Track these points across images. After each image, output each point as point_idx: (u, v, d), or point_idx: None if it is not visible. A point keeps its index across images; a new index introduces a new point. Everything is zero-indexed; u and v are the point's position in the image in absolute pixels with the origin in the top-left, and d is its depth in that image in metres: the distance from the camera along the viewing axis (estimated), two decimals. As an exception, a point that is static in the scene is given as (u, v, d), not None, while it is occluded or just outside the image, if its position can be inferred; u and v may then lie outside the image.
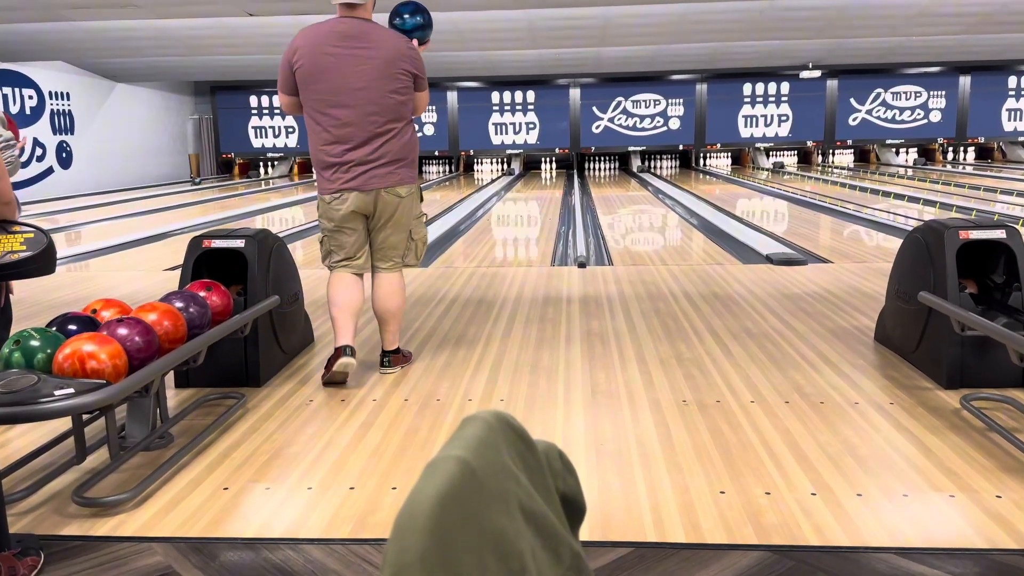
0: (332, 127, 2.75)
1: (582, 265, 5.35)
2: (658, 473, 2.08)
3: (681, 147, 17.27)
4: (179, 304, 2.45)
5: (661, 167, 17.73)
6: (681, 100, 17.09)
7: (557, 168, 17.87)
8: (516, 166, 17.17)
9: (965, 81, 16.78)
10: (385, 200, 2.84)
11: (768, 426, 2.41)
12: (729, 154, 17.77)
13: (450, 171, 17.48)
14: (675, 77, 17.00)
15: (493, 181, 14.88)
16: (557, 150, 17.47)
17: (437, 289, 4.57)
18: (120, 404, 2.14)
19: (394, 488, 2.04)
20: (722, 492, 1.97)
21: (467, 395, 2.75)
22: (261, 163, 18.07)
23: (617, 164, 18.06)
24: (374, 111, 2.74)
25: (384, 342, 3.01)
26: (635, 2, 9.66)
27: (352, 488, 2.04)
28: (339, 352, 2.78)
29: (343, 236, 2.89)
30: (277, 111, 17.73)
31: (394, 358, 3.02)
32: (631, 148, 17.29)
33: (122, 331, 2.11)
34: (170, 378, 2.89)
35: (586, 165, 17.98)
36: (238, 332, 2.71)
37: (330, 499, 1.98)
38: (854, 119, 17.19)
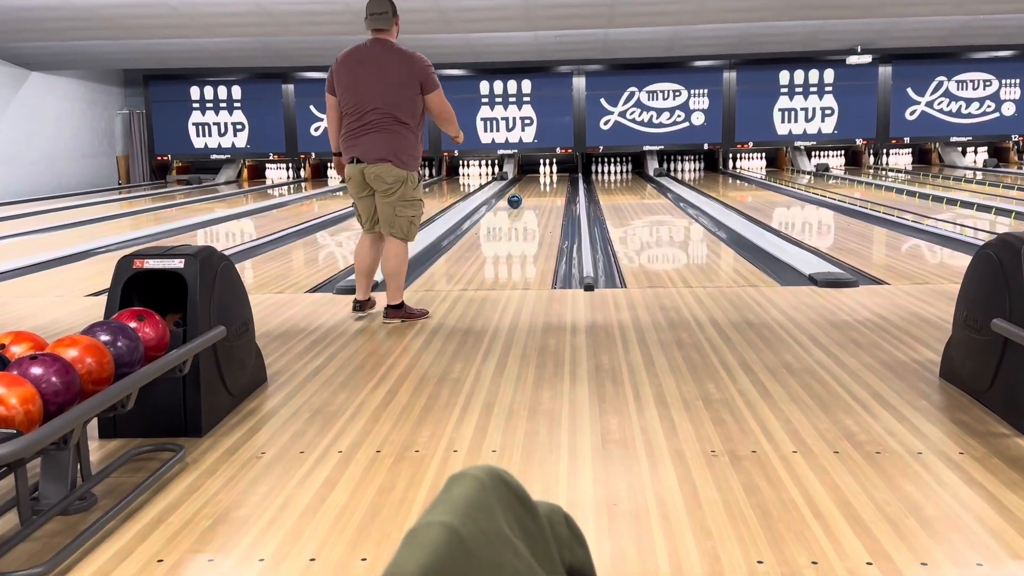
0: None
1: (589, 287, 5.38)
2: (682, 539, 2.08)
3: (706, 146, 17.43)
4: (105, 337, 2.45)
5: (683, 170, 17.87)
6: (706, 91, 17.28)
7: (559, 171, 18.00)
8: (509, 169, 17.29)
9: (1042, 67, 17.01)
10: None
11: (814, 481, 2.41)
12: (763, 155, 17.93)
13: (430, 175, 17.60)
14: (698, 63, 17.20)
15: (482, 187, 14.97)
16: (558, 150, 17.61)
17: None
18: (33, 458, 2.13)
19: (364, 559, 2.03)
20: (760, 562, 1.97)
21: (452, 445, 2.75)
22: (204, 167, 18.17)
23: (630, 167, 18.20)
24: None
25: (387, 296, 4.45)
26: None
27: (313, 560, 2.04)
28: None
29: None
30: (223, 104, 17.87)
31: (392, 312, 4.40)
32: (647, 147, 17.44)
33: (36, 370, 2.11)
34: (93, 427, 2.88)
35: (593, 168, 18.12)
36: (176, 371, 2.71)
37: (286, 573, 1.97)
38: (912, 113, 17.37)
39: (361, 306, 4.57)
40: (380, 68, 4.21)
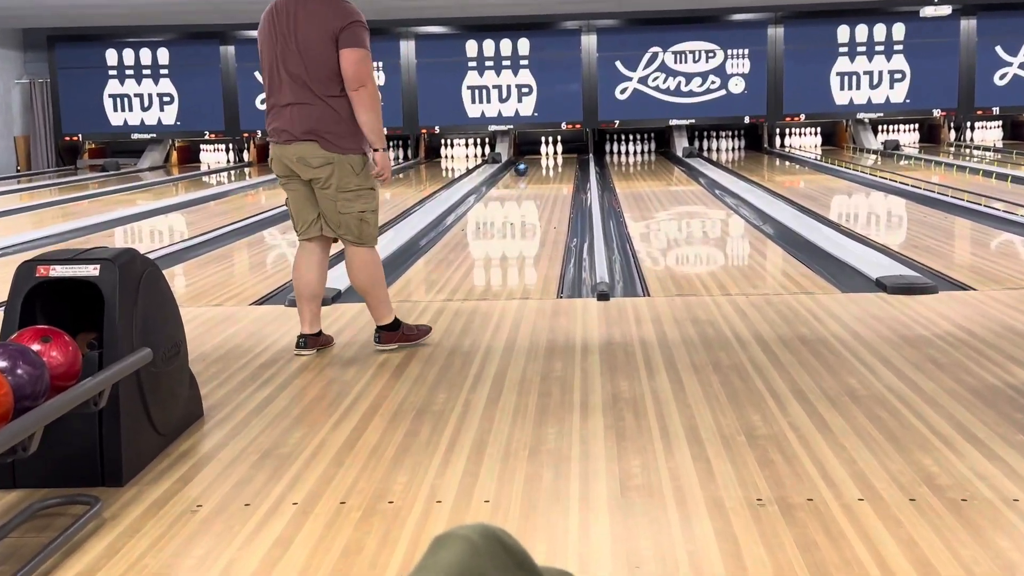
0: None
1: (604, 296, 5.39)
2: (722, 609, 2.08)
3: (748, 120, 17.48)
4: (1, 364, 2.45)
5: (718, 149, 17.91)
6: (747, 51, 17.34)
7: (565, 152, 18.03)
8: (503, 150, 17.32)
9: None
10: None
11: (885, 536, 2.42)
12: (818, 130, 17.99)
13: (404, 158, 17.63)
14: (737, 17, 17.27)
15: (469, 172, 15.00)
16: (564, 126, 17.66)
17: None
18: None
19: (326, 638, 2.03)
20: (818, 637, 1.97)
21: (434, 495, 2.75)
22: (123, 149, 18.16)
23: (653, 145, 18.23)
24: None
25: (373, 316, 4.34)
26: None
27: (263, 639, 2.03)
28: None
29: None
30: (146, 72, 17.89)
31: (384, 335, 4.30)
32: (673, 122, 17.49)
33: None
34: (-13, 474, 2.88)
35: (607, 147, 18.14)
36: (90, 404, 2.70)
37: (229, 656, 1.97)
38: (1002, 77, 17.42)
39: (306, 342, 4.28)
40: (297, 22, 4.04)
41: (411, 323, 4.45)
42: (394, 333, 4.30)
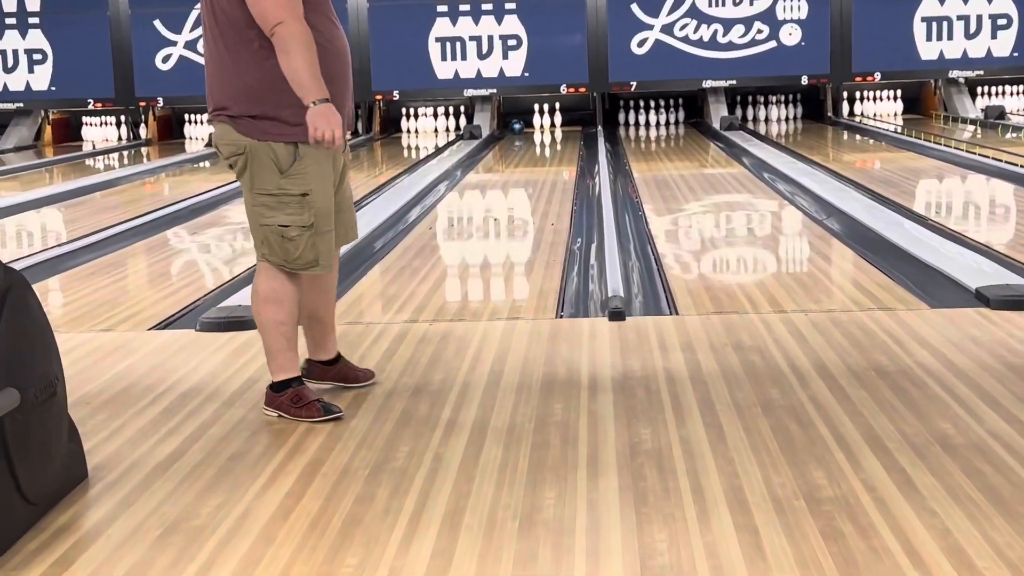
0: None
1: (617, 314, 5.39)
2: None
3: (805, 80, 17.50)
4: None
5: (768, 119, 17.95)
6: (803, -11, 17.37)
7: (565, 124, 18.04)
8: (483, 121, 17.33)
9: None
10: None
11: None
12: (898, 93, 18.03)
13: (354, 133, 17.59)
14: (790, -56, 17.29)
15: (439, 152, 15.01)
16: (564, 89, 17.66)
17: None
18: None
19: None
20: None
21: (395, 581, 2.74)
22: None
23: (681, 115, 18.24)
24: None
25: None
26: None
27: None
28: None
29: None
30: (9, 21, 17.82)
31: (269, 395, 4.11)
32: (708, 83, 17.51)
33: None
34: None
35: (622, 118, 18.15)
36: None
37: None
38: None
39: (309, 370, 4.29)
40: None
41: (312, 390, 4.12)
42: (276, 396, 4.04)
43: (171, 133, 18.54)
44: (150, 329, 5.57)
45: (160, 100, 17.80)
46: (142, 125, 18.23)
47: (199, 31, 17.33)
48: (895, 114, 17.89)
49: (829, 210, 8.80)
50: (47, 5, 17.84)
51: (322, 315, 4.27)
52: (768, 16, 17.37)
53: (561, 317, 5.63)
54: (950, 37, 17.44)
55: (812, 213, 8.78)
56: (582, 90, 17.68)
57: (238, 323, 5.28)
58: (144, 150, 17.05)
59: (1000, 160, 11.38)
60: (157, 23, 17.70)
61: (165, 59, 17.78)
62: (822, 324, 5.14)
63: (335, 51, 4.00)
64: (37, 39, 17.90)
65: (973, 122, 16.28)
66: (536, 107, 18.19)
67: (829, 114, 17.63)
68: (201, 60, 17.28)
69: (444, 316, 5.68)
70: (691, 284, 6.33)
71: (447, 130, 17.81)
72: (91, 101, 17.99)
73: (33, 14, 17.89)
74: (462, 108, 17.94)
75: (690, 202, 9.88)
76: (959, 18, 17.41)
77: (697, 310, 5.59)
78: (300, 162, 3.93)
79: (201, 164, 14.64)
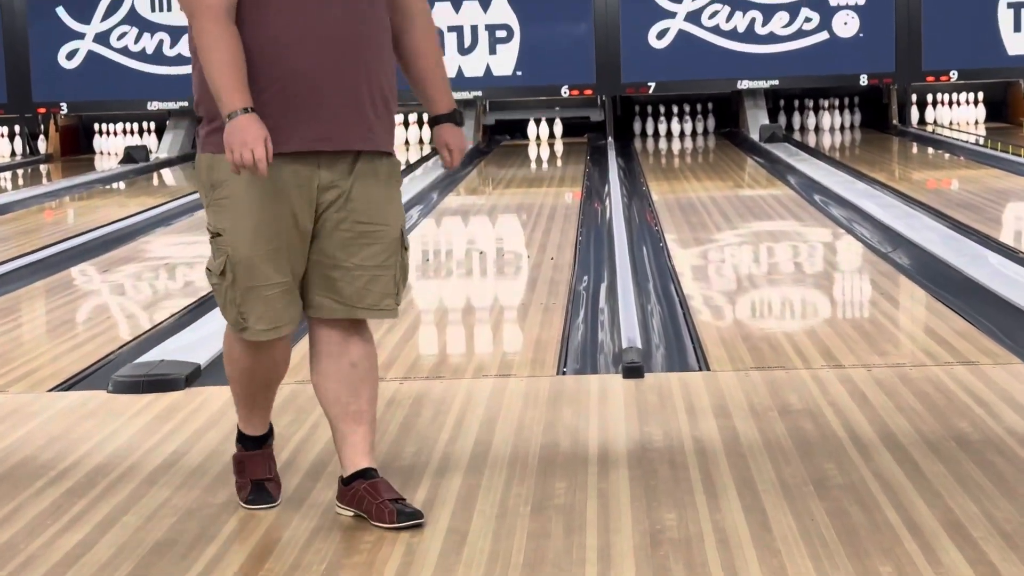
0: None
1: (634, 370, 5.39)
2: None
3: (865, 80, 17.53)
4: None
5: (819, 128, 17.97)
6: (861, -30, 17.45)
7: (568, 135, 18.06)
8: (467, 131, 17.33)
9: None
10: None
11: None
12: (979, 96, 18.05)
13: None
14: (845, -86, 17.38)
15: (410, 168, 15.02)
16: (566, 91, 17.70)
17: (279, 439, 4.54)
18: None
19: None
20: None
21: None
22: None
23: (712, 123, 18.27)
24: None
25: None
26: None
27: None
28: None
29: None
30: None
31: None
32: (745, 84, 17.55)
33: None
34: None
35: (638, 127, 18.17)
36: None
37: None
38: None
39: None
40: None
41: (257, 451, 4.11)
42: (238, 447, 4.13)
43: (77, 147, 18.53)
44: (51, 390, 5.54)
45: (63, 106, 17.80)
46: (41, 137, 18.22)
47: (112, 20, 17.45)
48: (976, 122, 17.92)
49: (895, 241, 8.80)
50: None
51: (335, 414, 4.00)
52: (818, 1, 17.44)
53: (564, 374, 5.62)
54: (1042, 27, 17.52)
55: (874, 244, 8.79)
56: (588, 93, 17.72)
57: (160, 382, 5.27)
58: (44, 168, 17.07)
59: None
60: (60, 11, 17.73)
61: (70, 55, 17.80)
62: (888, 382, 5.13)
63: (318, 40, 3.81)
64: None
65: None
66: (532, 117, 18.22)
67: (894, 122, 17.67)
68: (114, 56, 17.33)
69: (418, 373, 5.66)
70: (724, 332, 6.33)
71: (420, 142, 17.83)
72: (-23, 107, 18.02)
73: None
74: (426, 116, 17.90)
75: (723, 231, 9.89)
76: (1053, 3, 17.49)
77: (732, 365, 5.58)
78: (218, 189, 3.83)
79: (114, 185, 14.62)
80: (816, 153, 15.22)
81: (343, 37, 3.83)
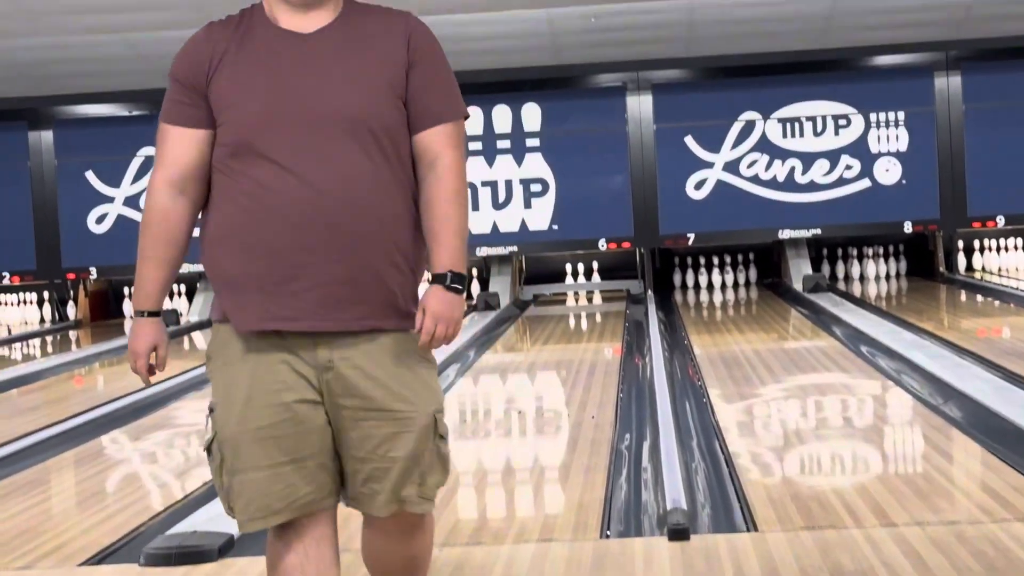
0: None
1: (679, 532, 5.37)
2: None
3: (910, 227, 17.56)
4: None
5: (864, 277, 17.97)
6: (901, 114, 17.55)
7: (606, 289, 18.10)
8: (502, 288, 17.36)
9: None
10: None
11: None
12: (1030, 240, 18.05)
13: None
14: (883, 60, 17.54)
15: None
16: (603, 245, 17.77)
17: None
18: None
19: None
20: None
21: None
22: None
23: (754, 274, 18.28)
24: None
25: None
26: None
27: None
28: None
29: None
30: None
31: None
32: (787, 233, 17.60)
33: None
34: None
35: (678, 279, 18.22)
36: None
37: None
38: None
39: None
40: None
41: None
42: None
43: (107, 311, 18.66)
44: (82, 564, 5.54)
45: (93, 271, 17.96)
46: (70, 303, 18.35)
47: (141, 183, 17.66)
48: (1025, 268, 17.93)
49: (946, 392, 8.75)
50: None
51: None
52: (859, 148, 17.52)
53: (607, 537, 5.59)
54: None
55: (925, 397, 8.75)
56: (626, 246, 17.79)
57: (192, 554, 5.26)
58: (73, 334, 17.19)
59: None
60: (89, 175, 17.95)
61: (99, 219, 17.98)
62: (944, 540, 5.09)
63: (270, 207, 3.57)
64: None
65: None
66: (569, 268, 18.31)
67: (941, 269, 17.66)
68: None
69: (457, 539, 5.64)
70: (773, 491, 6.29)
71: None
72: (6, 275, 18.16)
73: (-66, 167, 18.15)
74: (474, 271, 17.98)
75: (767, 385, 9.87)
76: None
77: (782, 525, 5.55)
78: (212, 360, 3.76)
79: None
80: (861, 303, 15.20)
81: (333, 201, 3.58)
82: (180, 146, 3.65)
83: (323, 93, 3.63)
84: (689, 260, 18.30)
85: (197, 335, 16.20)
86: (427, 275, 3.65)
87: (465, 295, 3.66)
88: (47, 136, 17.99)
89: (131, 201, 17.65)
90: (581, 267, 18.29)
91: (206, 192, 3.69)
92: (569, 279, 18.38)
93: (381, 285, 3.60)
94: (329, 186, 3.56)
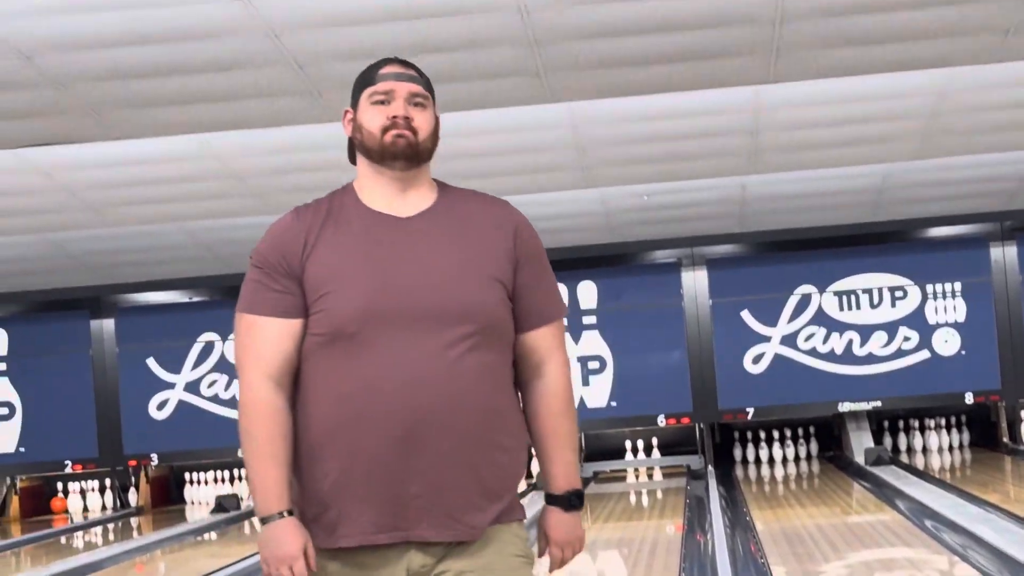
0: None
1: None
2: None
3: (971, 399, 17.41)
4: None
5: (926, 450, 17.79)
6: (958, 285, 17.49)
7: (666, 466, 18.00)
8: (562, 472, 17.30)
9: None
10: None
11: None
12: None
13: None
14: (937, 233, 17.56)
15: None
16: (663, 421, 17.70)
17: None
18: None
19: None
20: None
21: None
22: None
23: (815, 447, 18.15)
24: None
25: None
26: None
27: None
28: None
29: None
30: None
31: None
32: (846, 406, 17.48)
33: None
34: None
35: (739, 454, 18.10)
36: None
37: None
38: None
39: None
40: None
41: None
42: None
43: (168, 497, 18.66)
44: None
45: (154, 458, 18.00)
46: (132, 490, 18.37)
47: (202, 369, 17.83)
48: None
49: (1014, 569, 8.64)
50: (16, 346, 18.30)
51: None
52: (916, 320, 17.47)
53: None
54: None
55: (993, 572, 8.64)
56: (685, 421, 17.72)
57: None
58: (134, 521, 17.18)
59: None
60: (151, 362, 18.09)
61: (160, 406, 18.06)
62: None
63: (371, 408, 3.40)
64: (3, 390, 18.24)
65: None
66: (628, 444, 18.24)
67: (1005, 440, 17.46)
68: (204, 404, 17.60)
69: None
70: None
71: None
72: (69, 463, 18.18)
73: (-2, 358, 18.43)
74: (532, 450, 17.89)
75: (831, 561, 9.78)
76: None
77: None
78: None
79: (205, 536, 14.68)
80: (925, 475, 15.07)
81: (440, 401, 3.41)
82: (274, 338, 3.46)
83: (428, 284, 3.45)
84: (749, 434, 18.22)
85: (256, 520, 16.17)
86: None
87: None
88: (108, 324, 18.18)
89: (191, 387, 17.78)
90: (641, 443, 18.22)
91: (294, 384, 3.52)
92: (629, 455, 18.31)
93: (491, 486, 3.50)
94: (435, 385, 3.40)
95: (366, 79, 3.63)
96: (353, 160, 3.69)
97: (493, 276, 3.51)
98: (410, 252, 3.49)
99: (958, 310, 17.40)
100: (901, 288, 17.53)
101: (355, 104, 3.66)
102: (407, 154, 3.53)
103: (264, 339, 3.47)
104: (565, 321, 3.83)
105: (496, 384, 3.50)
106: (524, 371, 3.62)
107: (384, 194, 3.56)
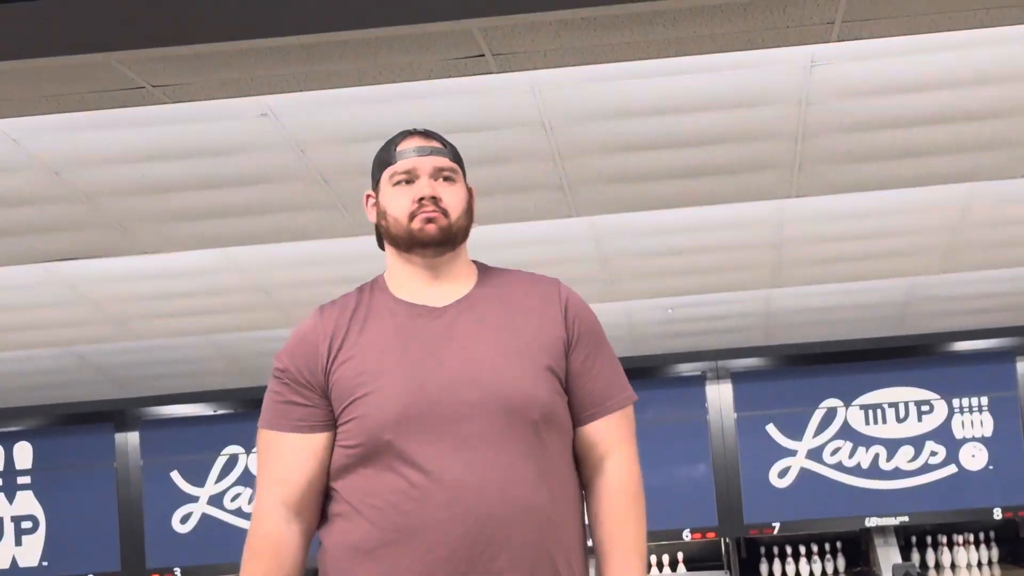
0: None
1: None
2: None
3: (999, 514, 17.29)
4: None
5: (954, 564, 17.63)
6: (984, 399, 17.44)
7: (692, 577, 17.92)
8: None
9: None
10: None
11: None
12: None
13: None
14: (962, 347, 17.53)
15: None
16: (688, 536, 17.60)
17: None
18: None
19: None
20: None
21: None
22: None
23: (842, 563, 17.99)
24: None
25: None
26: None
27: None
28: None
29: None
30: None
31: None
32: (873, 521, 17.36)
33: None
34: None
35: (765, 568, 17.92)
36: None
37: None
38: None
39: None
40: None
41: None
42: None
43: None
44: None
45: (177, 572, 17.94)
46: (157, 606, 18.33)
47: (226, 482, 17.82)
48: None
49: None
50: (40, 459, 18.25)
51: None
52: (943, 434, 17.38)
53: None
54: None
55: None
56: (711, 535, 17.62)
57: None
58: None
59: None
60: (175, 475, 18.06)
61: (184, 519, 18.02)
62: None
63: (415, 528, 3.13)
64: (27, 503, 18.18)
65: None
66: (654, 559, 18.11)
67: (1031, 555, 17.41)
68: (228, 518, 17.61)
69: None
70: None
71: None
72: (91, 576, 18.20)
73: (23, 472, 18.28)
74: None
75: None
76: None
77: None
78: None
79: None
80: (953, 590, 14.97)
81: (491, 512, 3.16)
82: (295, 459, 3.20)
83: (471, 379, 3.18)
84: (776, 549, 18.08)
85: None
86: None
87: None
88: (133, 437, 18.18)
89: (215, 500, 17.75)
90: (666, 557, 18.09)
91: (320, 511, 3.28)
92: (655, 570, 18.16)
93: None
94: (483, 498, 3.15)
95: (385, 157, 3.37)
96: (382, 246, 3.42)
97: (544, 364, 3.28)
98: (448, 345, 3.21)
99: (985, 424, 17.33)
100: (927, 402, 17.48)
101: (376, 186, 3.41)
102: (439, 240, 3.26)
103: (283, 458, 3.23)
104: (632, 410, 3.55)
105: (553, 492, 3.28)
106: (586, 469, 3.42)
107: (417, 283, 3.28)
